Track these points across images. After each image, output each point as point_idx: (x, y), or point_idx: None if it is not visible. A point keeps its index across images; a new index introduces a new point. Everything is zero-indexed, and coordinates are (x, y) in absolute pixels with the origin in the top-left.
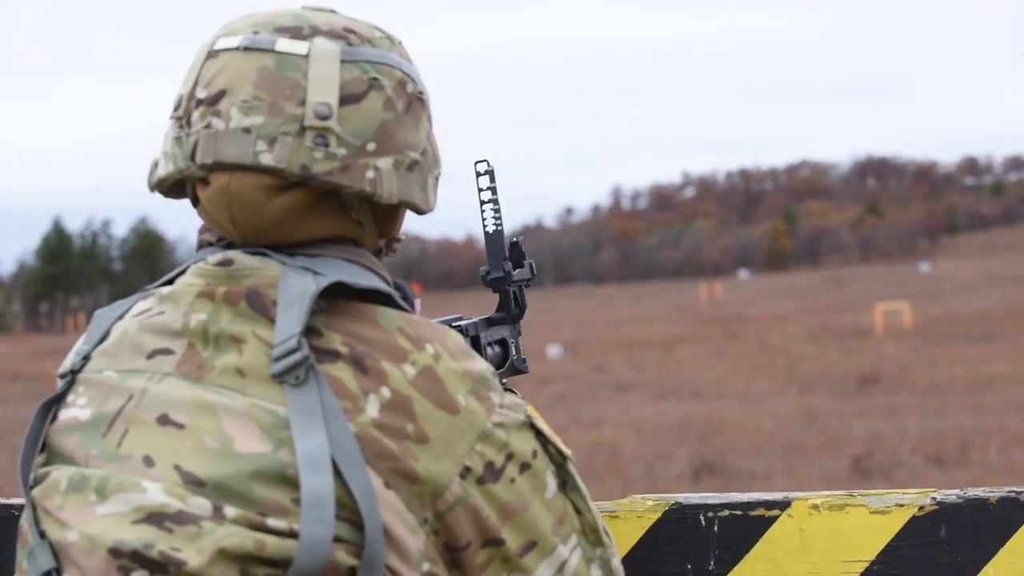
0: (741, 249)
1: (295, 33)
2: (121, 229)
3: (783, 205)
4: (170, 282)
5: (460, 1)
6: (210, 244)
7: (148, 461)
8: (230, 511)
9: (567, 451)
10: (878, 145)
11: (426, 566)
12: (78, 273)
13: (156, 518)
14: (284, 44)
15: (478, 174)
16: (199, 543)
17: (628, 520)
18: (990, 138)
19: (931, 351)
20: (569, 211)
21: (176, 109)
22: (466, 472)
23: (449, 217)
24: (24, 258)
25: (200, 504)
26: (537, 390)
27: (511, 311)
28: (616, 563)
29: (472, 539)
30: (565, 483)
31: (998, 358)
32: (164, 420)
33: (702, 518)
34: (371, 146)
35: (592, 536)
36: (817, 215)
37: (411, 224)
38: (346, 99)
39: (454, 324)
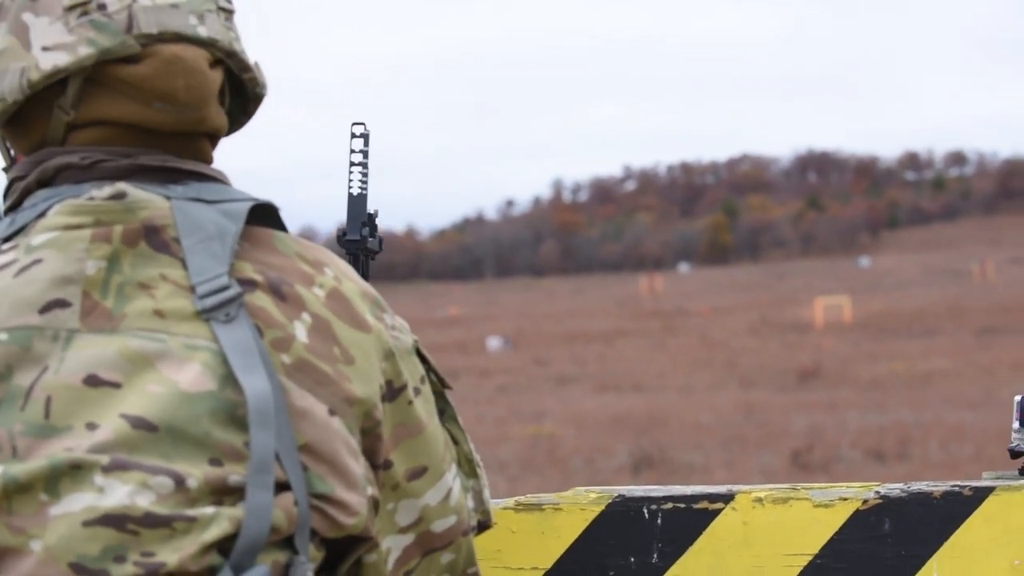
0: (682, 243)
1: None
2: None
3: (724, 199)
4: (19, 231)
5: None
6: (70, 167)
7: (91, 427)
8: (192, 480)
9: (447, 380)
10: (819, 139)
11: (369, 490)
12: None
13: (117, 520)
14: None
15: (353, 135)
16: (175, 543)
17: (571, 513)
18: (931, 133)
19: (871, 346)
20: (510, 203)
21: None
22: (378, 390)
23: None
24: None
25: (163, 485)
26: (477, 383)
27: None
28: (487, 495)
29: (381, 460)
30: (443, 412)
31: (938, 353)
32: (94, 381)
33: (645, 511)
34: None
35: (467, 467)
36: (758, 209)
37: None
38: None
39: None
